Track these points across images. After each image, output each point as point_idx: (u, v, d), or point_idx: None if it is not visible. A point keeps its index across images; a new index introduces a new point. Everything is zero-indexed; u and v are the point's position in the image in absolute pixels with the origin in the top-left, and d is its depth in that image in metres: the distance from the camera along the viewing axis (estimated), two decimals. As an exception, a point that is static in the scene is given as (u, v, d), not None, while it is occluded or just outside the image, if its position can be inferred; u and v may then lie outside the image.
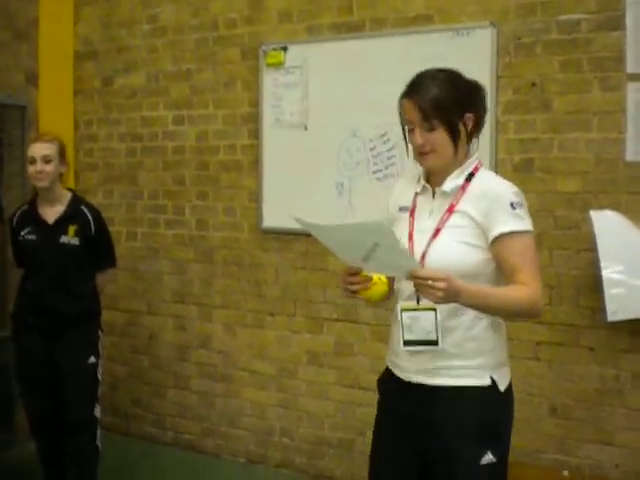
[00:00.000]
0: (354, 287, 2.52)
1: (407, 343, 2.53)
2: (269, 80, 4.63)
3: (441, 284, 2.30)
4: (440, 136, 2.52)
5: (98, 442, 4.09)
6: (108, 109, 5.31)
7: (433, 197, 2.61)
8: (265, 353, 4.75)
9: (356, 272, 2.50)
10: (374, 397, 4.37)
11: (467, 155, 2.60)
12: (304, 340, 4.62)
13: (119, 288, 5.19)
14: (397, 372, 2.68)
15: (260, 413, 4.81)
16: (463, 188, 2.55)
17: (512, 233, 2.45)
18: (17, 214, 4.09)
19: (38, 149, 3.93)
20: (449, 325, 2.50)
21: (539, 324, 3.86)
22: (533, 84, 3.89)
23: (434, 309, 2.46)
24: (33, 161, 3.91)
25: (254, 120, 4.70)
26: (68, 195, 4.07)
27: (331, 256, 4.46)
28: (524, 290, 2.43)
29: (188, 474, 4.81)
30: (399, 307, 2.56)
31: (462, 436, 2.48)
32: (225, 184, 4.84)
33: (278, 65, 4.60)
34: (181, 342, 5.08)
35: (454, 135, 2.52)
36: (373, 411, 4.37)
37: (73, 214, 4.01)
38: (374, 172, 4.32)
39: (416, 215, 2.62)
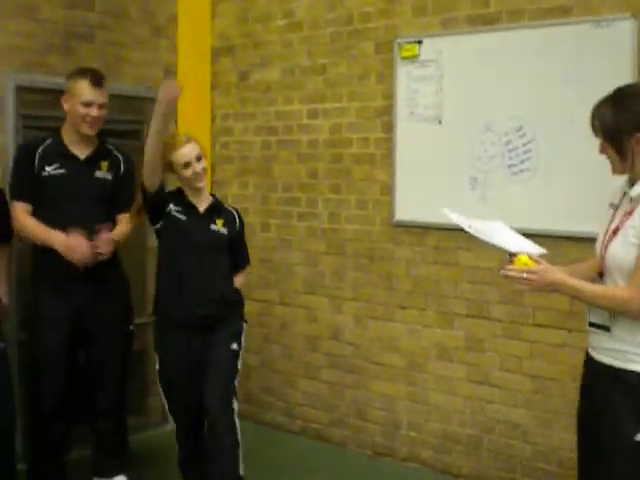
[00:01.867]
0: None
1: (591, 324, 2.80)
2: (403, 73, 4.63)
3: (532, 276, 2.66)
4: (610, 152, 2.74)
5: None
6: (244, 103, 5.42)
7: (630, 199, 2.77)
8: (395, 346, 4.77)
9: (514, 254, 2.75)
10: (503, 394, 4.38)
11: None
12: (434, 334, 4.61)
13: (253, 278, 5.29)
14: (589, 349, 2.88)
15: (388, 406, 4.83)
16: None
17: None
18: (172, 201, 3.96)
19: (189, 151, 3.88)
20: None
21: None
22: (677, 77, 3.77)
23: None
24: (189, 165, 3.86)
25: (388, 113, 4.70)
26: (209, 196, 4.07)
27: (463, 251, 4.45)
28: (623, 292, 2.65)
29: (315, 463, 4.86)
30: None
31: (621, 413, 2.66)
32: (358, 177, 4.87)
33: (413, 58, 4.59)
34: (312, 333, 5.15)
35: (622, 155, 2.70)
36: (502, 408, 4.37)
37: (220, 208, 4.02)
38: (509, 166, 4.26)
39: (617, 214, 2.80)
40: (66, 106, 4.01)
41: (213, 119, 5.56)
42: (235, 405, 3.87)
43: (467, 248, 4.43)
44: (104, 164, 4.09)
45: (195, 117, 5.41)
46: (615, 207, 2.82)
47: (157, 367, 4.02)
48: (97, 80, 3.98)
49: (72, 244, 3.85)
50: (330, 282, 5.03)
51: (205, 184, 3.97)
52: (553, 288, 2.73)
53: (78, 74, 4.01)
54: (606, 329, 2.72)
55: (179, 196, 3.96)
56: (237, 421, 3.86)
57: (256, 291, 5.32)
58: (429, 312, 4.62)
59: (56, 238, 3.88)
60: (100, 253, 3.92)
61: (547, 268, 2.70)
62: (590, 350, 2.86)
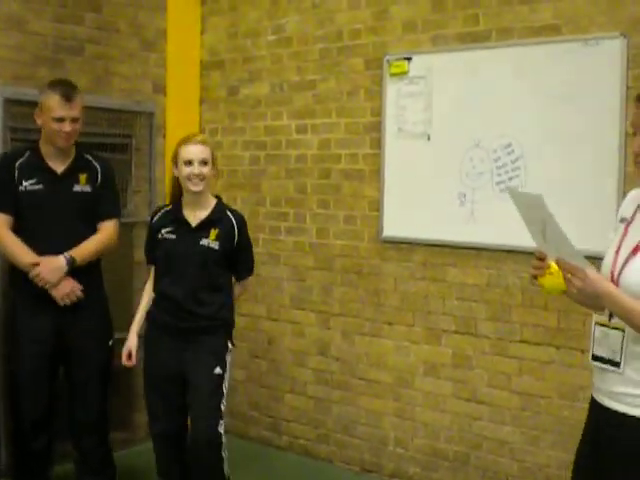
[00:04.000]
0: (532, 270, 2.47)
1: (595, 358, 2.48)
2: (392, 90, 4.65)
3: (577, 281, 2.30)
4: None
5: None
6: (233, 118, 5.42)
7: None
8: (382, 362, 4.76)
9: (543, 257, 2.44)
10: (491, 411, 4.38)
11: None
12: (422, 351, 4.60)
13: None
14: (593, 391, 2.58)
15: (375, 422, 4.82)
16: None
17: None
18: (159, 214, 4.01)
19: (196, 151, 3.84)
20: (637, 350, 2.37)
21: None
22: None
23: (623, 330, 2.38)
24: (190, 163, 3.82)
25: (376, 129, 4.72)
26: (214, 201, 3.97)
27: (451, 267, 4.45)
28: None
29: (301, 479, 4.84)
30: (594, 319, 2.52)
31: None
32: (346, 192, 4.88)
33: (402, 75, 4.61)
34: (299, 348, 5.13)
35: None
36: (489, 425, 4.37)
37: (217, 219, 3.91)
38: (497, 183, 4.27)
39: (630, 229, 2.52)
40: (39, 121, 3.96)
41: (202, 133, 5.54)
42: (222, 428, 3.82)
43: (455, 264, 4.44)
44: (82, 176, 4.04)
45: (184, 130, 5.33)
46: (628, 222, 2.53)
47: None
48: (68, 94, 3.90)
49: (42, 270, 3.84)
50: (318, 297, 5.03)
51: (202, 190, 3.86)
52: (595, 298, 2.35)
53: (49, 88, 3.95)
54: (615, 364, 2.39)
55: (174, 211, 3.93)
56: (224, 440, 3.83)
57: (243, 305, 5.29)
58: (417, 328, 4.62)
59: (26, 260, 3.86)
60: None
61: (599, 277, 2.36)
62: (595, 393, 2.53)
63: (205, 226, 3.88)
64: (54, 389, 4.08)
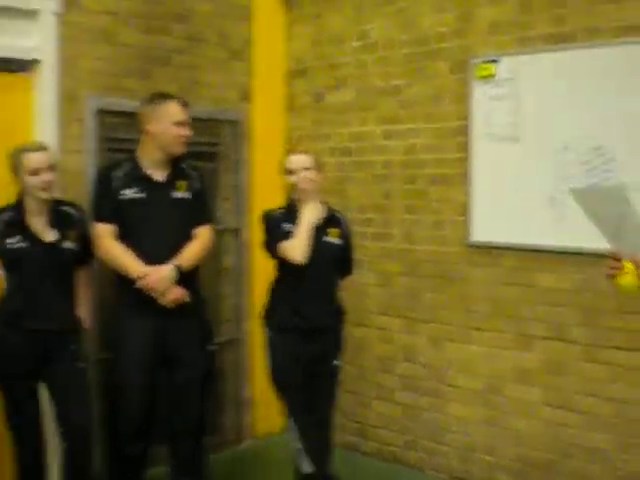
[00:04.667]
0: (608, 271, 2.55)
1: None
2: (479, 93, 4.60)
3: None
4: None
5: None
6: (318, 124, 5.44)
7: None
8: (471, 368, 4.71)
9: (618, 258, 2.51)
10: (582, 419, 4.28)
11: None
12: (511, 357, 4.53)
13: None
14: None
15: (464, 429, 4.77)
16: None
17: None
18: (275, 214, 4.15)
19: (299, 160, 4.07)
20: None
21: None
22: None
23: None
24: (294, 172, 4.03)
25: (463, 133, 4.67)
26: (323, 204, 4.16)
27: (541, 272, 4.38)
28: None
29: (390, 486, 4.84)
30: None
31: None
32: (433, 197, 4.84)
33: (488, 78, 4.56)
34: (386, 354, 5.12)
35: None
36: (580, 433, 4.28)
37: (333, 218, 4.16)
38: (588, 186, 4.18)
39: None
40: (153, 128, 4.02)
41: (288, 140, 5.59)
42: None
43: (545, 269, 4.37)
44: (182, 184, 4.11)
45: (270, 138, 5.46)
46: None
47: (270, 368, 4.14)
48: (184, 101, 4.08)
49: (152, 280, 3.89)
50: (404, 303, 5.00)
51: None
52: None
53: (164, 97, 4.09)
54: None
55: (291, 212, 4.09)
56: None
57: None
58: (506, 334, 4.55)
59: (135, 271, 3.92)
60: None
61: None
62: None
63: (325, 226, 4.10)
64: (154, 395, 4.14)
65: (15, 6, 4.37)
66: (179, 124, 4.01)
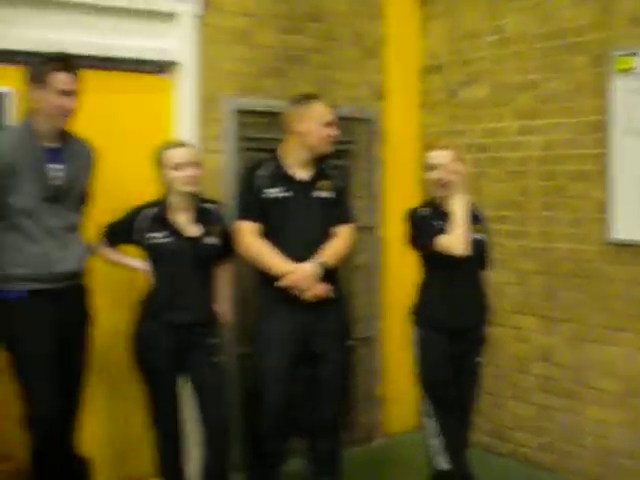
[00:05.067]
0: None
1: None
2: (619, 87, 4.47)
3: None
4: None
5: None
6: (453, 121, 5.41)
7: None
8: (611, 370, 4.58)
9: None
10: None
11: None
12: (654, 359, 4.40)
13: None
14: None
15: (603, 432, 4.64)
16: None
17: None
18: (422, 211, 4.12)
19: (439, 156, 4.03)
20: None
21: None
22: None
23: None
24: (433, 168, 4.01)
25: (602, 128, 4.55)
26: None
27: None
28: None
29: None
30: None
31: None
32: (571, 194, 4.73)
33: (629, 71, 4.43)
34: (522, 354, 5.04)
35: None
36: None
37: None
38: None
39: None
40: (301, 128, 4.07)
41: (422, 137, 5.57)
42: None
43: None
44: (325, 183, 4.15)
45: (404, 135, 5.45)
46: None
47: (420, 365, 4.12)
48: (330, 103, 4.14)
49: (297, 278, 3.95)
50: (541, 302, 4.91)
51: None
52: None
53: (311, 98, 4.14)
54: None
55: (436, 208, 4.07)
56: None
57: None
58: (649, 335, 4.41)
59: (282, 269, 3.98)
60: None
61: None
62: None
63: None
64: (295, 390, 4.19)
65: (155, 9, 4.52)
66: (327, 124, 4.07)
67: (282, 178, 4.09)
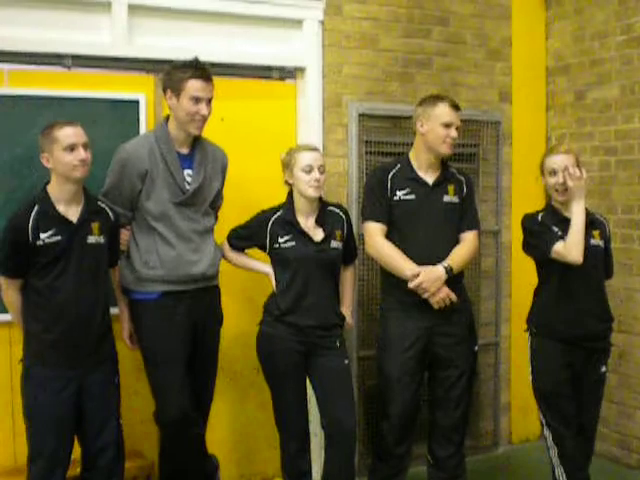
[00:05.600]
0: None
1: None
2: None
3: None
4: None
5: None
6: (581, 123, 5.27)
7: None
8: None
9: None
10: None
11: None
12: None
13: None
14: None
15: None
16: None
17: None
18: (539, 216, 4.09)
19: (561, 160, 3.99)
20: None
21: None
22: None
23: None
24: (553, 173, 3.99)
25: None
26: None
27: None
28: None
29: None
30: None
31: None
32: None
33: None
34: (653, 363, 4.87)
35: None
36: None
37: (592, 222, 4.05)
38: None
39: None
40: (422, 129, 4.06)
41: (549, 140, 5.46)
42: None
43: None
44: (450, 188, 4.11)
45: (530, 138, 5.37)
46: None
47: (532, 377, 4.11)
48: (455, 104, 4.08)
49: (425, 279, 3.92)
50: (674, 309, 4.74)
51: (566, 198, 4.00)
52: None
53: (436, 98, 4.11)
54: None
55: (554, 214, 4.05)
56: None
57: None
58: None
59: (408, 271, 3.96)
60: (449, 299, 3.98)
61: None
62: None
63: (589, 228, 4.00)
64: (420, 394, 4.17)
65: (281, 16, 4.59)
66: (446, 125, 4.02)
67: (409, 180, 4.08)
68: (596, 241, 4.00)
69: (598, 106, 5.16)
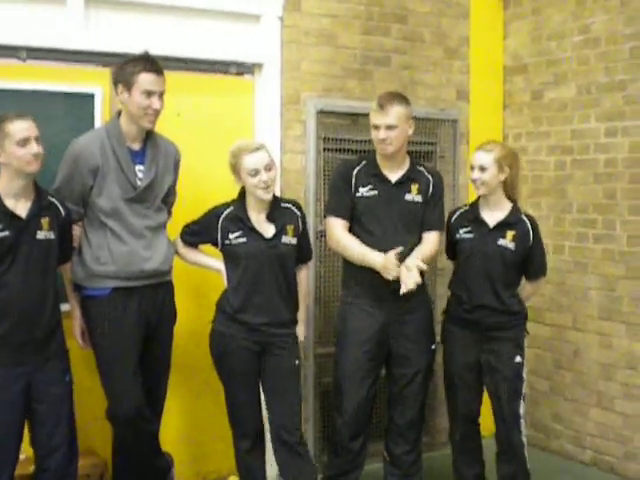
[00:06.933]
0: None
1: None
2: None
3: None
4: None
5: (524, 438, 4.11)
6: (537, 122, 5.31)
7: None
8: (701, 379, 4.45)
9: None
10: None
11: None
12: None
13: (545, 301, 5.17)
14: None
15: (691, 443, 4.51)
16: None
17: None
18: (456, 214, 4.23)
19: (478, 157, 4.06)
20: None
21: None
22: None
23: None
24: (471, 168, 4.07)
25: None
26: (509, 205, 4.11)
27: None
28: None
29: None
30: None
31: None
32: (661, 198, 4.61)
33: None
34: (607, 360, 4.91)
35: None
36: None
37: (513, 222, 4.06)
38: None
39: None
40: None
41: (505, 138, 5.50)
42: None
43: None
44: (414, 187, 4.09)
45: (487, 137, 5.32)
46: None
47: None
48: (381, 104, 4.03)
49: (387, 265, 3.88)
50: (628, 308, 4.77)
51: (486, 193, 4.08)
52: None
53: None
54: None
55: (471, 212, 4.17)
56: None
57: (548, 315, 5.19)
58: None
59: (372, 259, 3.94)
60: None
61: None
62: None
63: (501, 227, 4.05)
64: (375, 390, 4.17)
65: (239, 11, 4.56)
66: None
67: (372, 177, 4.07)
68: (505, 242, 4.01)
69: (555, 106, 5.20)
